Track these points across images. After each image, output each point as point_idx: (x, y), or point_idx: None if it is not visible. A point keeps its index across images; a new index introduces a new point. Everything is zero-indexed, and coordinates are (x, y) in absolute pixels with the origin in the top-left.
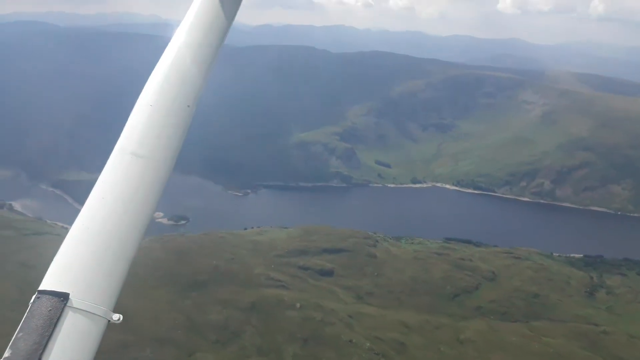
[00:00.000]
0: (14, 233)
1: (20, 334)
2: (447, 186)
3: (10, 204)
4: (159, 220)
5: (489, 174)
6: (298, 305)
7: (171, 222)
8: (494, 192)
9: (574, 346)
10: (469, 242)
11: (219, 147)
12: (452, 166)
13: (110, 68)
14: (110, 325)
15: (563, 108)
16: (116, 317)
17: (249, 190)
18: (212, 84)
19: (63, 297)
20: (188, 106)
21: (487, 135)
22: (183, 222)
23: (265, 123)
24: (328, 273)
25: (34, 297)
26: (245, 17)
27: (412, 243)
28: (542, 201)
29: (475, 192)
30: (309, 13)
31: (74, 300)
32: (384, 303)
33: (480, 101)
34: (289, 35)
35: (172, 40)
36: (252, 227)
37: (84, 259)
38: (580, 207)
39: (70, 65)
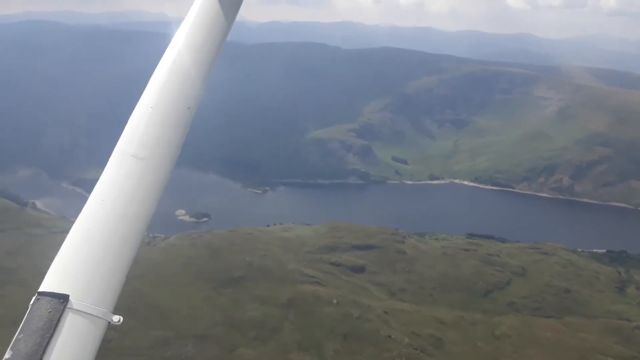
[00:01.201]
0: (43, 231)
1: (21, 335)
2: (465, 182)
3: (34, 203)
4: (181, 217)
5: (507, 170)
6: (335, 301)
7: (193, 219)
8: (513, 188)
9: (609, 342)
10: (491, 237)
11: (236, 144)
12: (470, 162)
13: (123, 66)
14: (110, 326)
15: (579, 103)
16: (116, 318)
17: (268, 188)
18: (227, 82)
19: (63, 299)
20: (188, 108)
21: (504, 131)
22: (205, 219)
23: (280, 120)
24: (360, 269)
25: (33, 298)
26: (251, 14)
27: (437, 239)
28: (561, 197)
29: (494, 188)
30: (315, 9)
31: (74, 301)
32: (417, 299)
33: (495, 97)
34: (297, 32)
35: (172, 42)
36: (275, 224)
37: (84, 260)
38: (600, 203)
39: (84, 64)
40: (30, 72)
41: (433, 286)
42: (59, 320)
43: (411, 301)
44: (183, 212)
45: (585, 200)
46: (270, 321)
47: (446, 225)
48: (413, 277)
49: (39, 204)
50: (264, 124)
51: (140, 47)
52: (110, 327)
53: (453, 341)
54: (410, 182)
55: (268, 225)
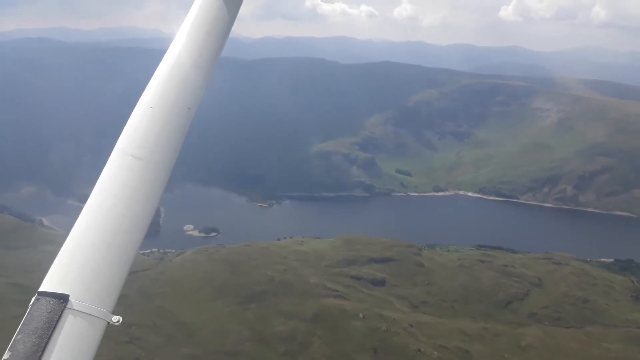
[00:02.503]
0: (56, 248)
1: (20, 335)
2: (470, 194)
3: (41, 220)
4: (190, 232)
5: (510, 181)
6: (361, 315)
7: (202, 234)
8: (517, 198)
9: (633, 351)
10: (500, 248)
11: (240, 159)
12: (473, 173)
13: (124, 83)
14: (109, 326)
15: (578, 114)
16: (115, 319)
17: (274, 202)
18: (228, 98)
19: (63, 299)
20: (188, 108)
21: (504, 142)
22: (214, 234)
23: (283, 134)
24: (380, 283)
25: (33, 298)
26: (245, 29)
27: (448, 251)
28: (565, 207)
29: (498, 199)
30: (308, 24)
31: (73, 302)
32: (439, 312)
33: (494, 109)
34: (292, 47)
35: (172, 43)
36: (285, 238)
37: (84, 260)
38: (604, 212)
39: (86, 81)
40: (32, 88)
41: (454, 298)
42: (58, 320)
43: (434, 313)
44: (191, 227)
45: (589, 209)
46: (298, 336)
47: (455, 237)
48: (433, 290)
49: (45, 221)
50: (267, 138)
51: (140, 63)
52: (133, 342)
53: (480, 353)
54: (415, 194)
55: (279, 239)
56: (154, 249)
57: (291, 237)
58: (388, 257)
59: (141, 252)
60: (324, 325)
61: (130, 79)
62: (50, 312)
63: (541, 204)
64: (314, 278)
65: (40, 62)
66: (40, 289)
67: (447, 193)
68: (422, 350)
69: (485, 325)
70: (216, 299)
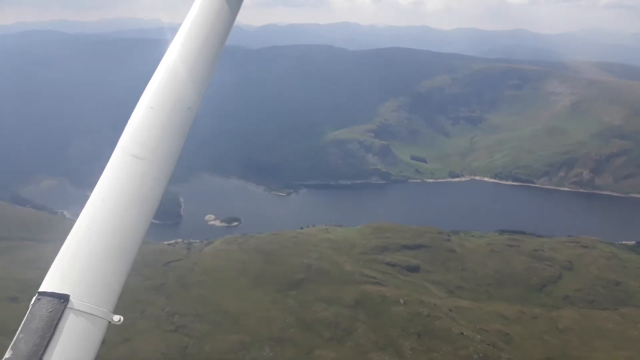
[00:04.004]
0: None
1: (21, 335)
2: (485, 179)
3: (62, 212)
4: (212, 222)
5: (526, 165)
6: (402, 301)
7: (224, 224)
8: (534, 183)
9: None
10: (522, 233)
11: (255, 148)
12: (488, 159)
13: (132, 75)
14: (110, 325)
15: (592, 97)
16: (116, 318)
17: (291, 190)
18: (237, 87)
19: (63, 299)
20: (189, 108)
21: (518, 127)
22: (235, 223)
23: (297, 123)
24: (415, 269)
25: (34, 298)
26: (246, 17)
27: (473, 236)
28: (582, 190)
29: (515, 183)
30: (311, 10)
31: (74, 301)
32: (475, 296)
33: (506, 93)
34: (296, 34)
35: (173, 42)
36: (307, 226)
37: (84, 260)
38: (622, 195)
39: (94, 73)
40: (43, 82)
41: (488, 283)
42: (59, 320)
43: (470, 298)
44: (212, 217)
45: (606, 193)
46: (342, 322)
47: (476, 222)
48: (467, 275)
49: (67, 213)
50: (281, 127)
51: (145, 54)
52: (179, 330)
53: (520, 335)
54: (431, 181)
55: (302, 228)
56: (178, 240)
57: (313, 226)
58: (420, 244)
59: (166, 242)
60: (366, 311)
61: (137, 71)
62: (51, 311)
63: (557, 188)
64: (349, 265)
65: (47, 55)
66: (41, 289)
67: (463, 179)
68: (465, 334)
69: (522, 309)
70: (255, 287)
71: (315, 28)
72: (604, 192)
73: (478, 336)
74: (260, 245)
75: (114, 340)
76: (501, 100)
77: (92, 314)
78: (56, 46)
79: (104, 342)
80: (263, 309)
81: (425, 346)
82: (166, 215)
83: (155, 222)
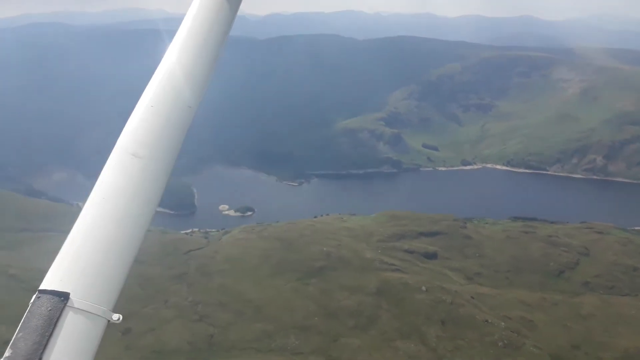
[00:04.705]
0: None
1: (21, 333)
2: (498, 166)
3: (78, 204)
4: (226, 212)
5: (538, 153)
6: (424, 288)
7: (238, 214)
8: (546, 170)
9: None
10: (535, 219)
11: (266, 138)
12: (500, 146)
13: (140, 66)
14: (110, 324)
15: (602, 84)
16: (116, 317)
17: (303, 180)
18: (246, 78)
19: (63, 297)
20: (189, 107)
21: (528, 114)
22: (249, 213)
23: (307, 112)
24: (432, 256)
25: (34, 296)
26: (249, 7)
27: (487, 223)
28: (595, 177)
29: (527, 171)
30: None
31: (74, 300)
32: (494, 283)
33: (515, 81)
34: (302, 23)
35: (173, 41)
36: (322, 215)
37: (84, 259)
38: (635, 182)
39: (102, 65)
40: (53, 73)
41: (507, 269)
42: (58, 318)
43: (489, 285)
44: (226, 207)
45: (619, 179)
46: (365, 310)
47: (489, 210)
48: (485, 262)
49: (82, 205)
50: (291, 117)
51: (152, 44)
52: (203, 319)
53: (543, 322)
54: (443, 169)
55: (315, 217)
56: (194, 229)
57: (327, 215)
58: (436, 231)
59: (182, 231)
60: (389, 299)
61: (145, 62)
62: (50, 310)
63: (570, 175)
64: (369, 253)
65: (54, 47)
66: (41, 287)
67: (475, 166)
68: (489, 320)
69: (543, 295)
70: (276, 276)
71: (320, 17)
72: (617, 179)
73: (502, 323)
74: (278, 233)
75: (140, 330)
76: (511, 88)
77: (91, 313)
78: (63, 38)
79: (129, 332)
80: (285, 298)
81: (450, 333)
82: (181, 206)
83: (171, 212)
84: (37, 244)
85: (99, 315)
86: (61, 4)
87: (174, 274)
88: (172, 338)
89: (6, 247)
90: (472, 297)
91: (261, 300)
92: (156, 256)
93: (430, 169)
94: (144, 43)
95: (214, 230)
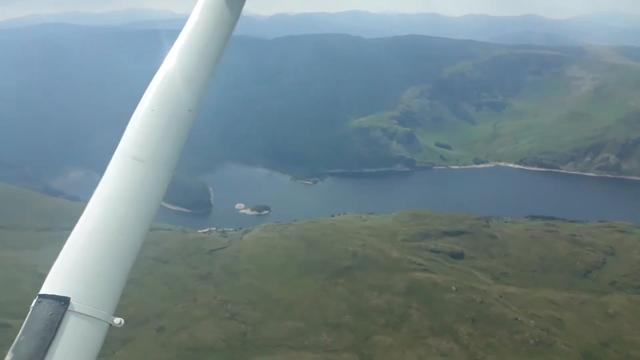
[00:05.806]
0: None
1: (22, 338)
2: (511, 165)
3: None
4: (242, 211)
5: (552, 151)
6: (454, 287)
7: (254, 213)
8: (559, 168)
9: None
10: (553, 218)
11: (279, 138)
12: (513, 144)
13: (149, 66)
14: (111, 328)
15: (614, 82)
16: (117, 320)
17: (317, 179)
18: (256, 78)
19: (64, 301)
20: (189, 111)
21: (541, 112)
22: (266, 211)
23: (318, 111)
24: (459, 255)
25: (35, 301)
26: (255, 7)
27: (506, 222)
28: (608, 175)
29: (540, 169)
30: None
31: (75, 304)
32: (521, 282)
33: (527, 79)
34: (308, 23)
35: (174, 45)
36: (339, 214)
37: (85, 262)
38: None
39: (111, 65)
40: (63, 74)
41: (533, 269)
42: (60, 322)
43: (517, 284)
44: (242, 205)
45: (633, 178)
46: (395, 309)
47: (505, 208)
48: (511, 261)
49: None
50: (304, 116)
51: (160, 45)
52: (234, 318)
53: (572, 321)
54: (456, 167)
55: (332, 215)
56: (212, 228)
57: (344, 213)
58: (460, 230)
59: (200, 230)
60: (419, 298)
61: (153, 62)
62: (52, 314)
63: (583, 173)
64: (395, 252)
65: (65, 48)
66: (42, 292)
67: (488, 165)
68: (519, 319)
69: (570, 295)
70: (303, 275)
71: (326, 17)
72: (631, 177)
73: (532, 321)
74: (300, 232)
75: (173, 328)
76: (523, 86)
77: (93, 317)
78: (72, 38)
79: (163, 330)
80: (314, 297)
81: (481, 331)
82: (197, 205)
83: (187, 211)
84: (60, 243)
85: (100, 319)
86: (70, 5)
87: (199, 274)
88: (206, 336)
89: (30, 246)
90: (501, 296)
91: (290, 300)
92: (180, 255)
93: (443, 167)
94: (151, 43)
95: (231, 229)
